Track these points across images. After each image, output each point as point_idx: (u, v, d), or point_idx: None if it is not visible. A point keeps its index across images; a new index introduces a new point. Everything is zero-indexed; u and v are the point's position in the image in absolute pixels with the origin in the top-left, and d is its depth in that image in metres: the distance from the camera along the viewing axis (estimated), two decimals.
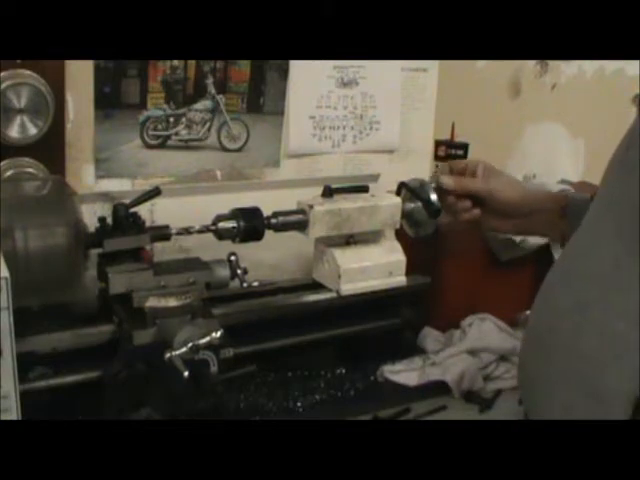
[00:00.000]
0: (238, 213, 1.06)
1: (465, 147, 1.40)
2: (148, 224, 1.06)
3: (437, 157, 1.43)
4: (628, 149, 0.76)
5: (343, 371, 1.26)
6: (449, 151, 1.41)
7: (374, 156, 1.41)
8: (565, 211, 1.09)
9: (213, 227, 1.05)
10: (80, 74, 1.10)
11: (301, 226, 1.08)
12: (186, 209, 1.16)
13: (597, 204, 0.82)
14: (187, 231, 1.05)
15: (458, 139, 1.42)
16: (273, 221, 1.07)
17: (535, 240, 1.38)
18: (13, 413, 0.75)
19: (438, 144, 1.43)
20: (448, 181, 1.13)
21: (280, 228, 1.08)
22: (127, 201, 1.02)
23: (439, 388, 1.21)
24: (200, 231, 1.05)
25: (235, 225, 1.05)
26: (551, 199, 1.13)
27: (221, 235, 1.06)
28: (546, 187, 1.36)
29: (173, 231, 1.04)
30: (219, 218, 1.06)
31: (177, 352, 0.95)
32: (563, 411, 0.76)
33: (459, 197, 1.13)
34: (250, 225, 1.06)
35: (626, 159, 0.76)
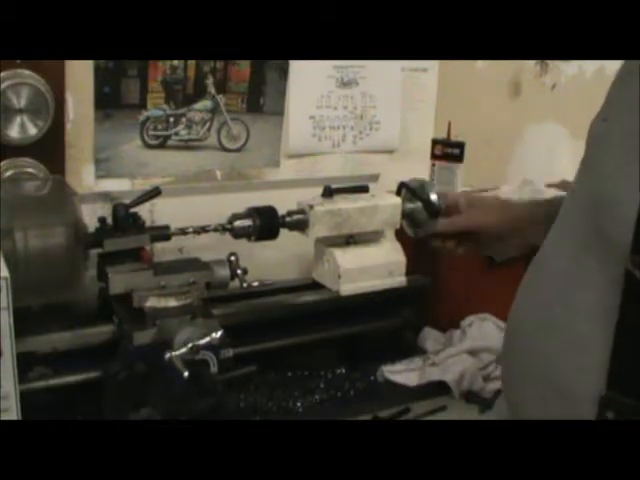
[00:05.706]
0: (253, 212, 1.07)
1: (461, 146, 1.40)
2: (148, 224, 1.06)
3: (434, 156, 1.42)
4: (588, 146, 0.76)
5: (343, 371, 1.26)
6: (445, 150, 1.41)
7: (374, 156, 1.41)
8: (549, 215, 1.09)
9: (229, 226, 1.06)
10: (80, 74, 1.10)
11: (301, 226, 1.08)
12: (186, 209, 1.16)
13: (566, 200, 0.82)
14: (204, 230, 1.06)
15: (458, 139, 1.42)
16: (288, 219, 1.08)
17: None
18: (13, 413, 0.75)
19: (435, 143, 1.43)
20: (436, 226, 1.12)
21: (294, 226, 1.09)
22: (127, 201, 1.02)
23: (439, 388, 1.21)
24: (216, 229, 1.06)
25: (251, 224, 1.06)
26: (533, 207, 1.12)
27: (237, 234, 1.06)
28: (541, 194, 1.36)
29: (190, 229, 1.05)
30: (235, 217, 1.07)
31: (177, 352, 0.95)
32: (536, 412, 0.76)
33: (444, 239, 1.11)
34: (266, 223, 1.06)
35: (585, 156, 0.76)
